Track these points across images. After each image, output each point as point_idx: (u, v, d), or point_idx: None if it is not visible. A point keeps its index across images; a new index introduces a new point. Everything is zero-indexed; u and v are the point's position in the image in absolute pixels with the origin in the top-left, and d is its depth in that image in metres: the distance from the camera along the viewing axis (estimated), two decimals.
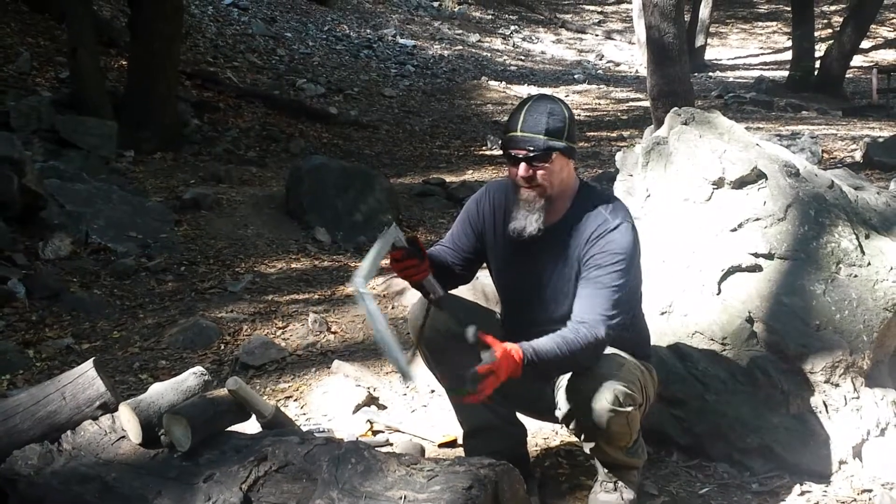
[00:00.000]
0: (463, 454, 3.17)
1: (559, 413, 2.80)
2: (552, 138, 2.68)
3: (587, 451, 2.86)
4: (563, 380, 2.78)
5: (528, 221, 2.78)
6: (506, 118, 2.80)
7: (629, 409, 2.68)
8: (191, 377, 2.84)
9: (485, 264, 3.09)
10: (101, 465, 2.68)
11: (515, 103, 13.75)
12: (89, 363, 2.87)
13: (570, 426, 2.79)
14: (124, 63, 10.58)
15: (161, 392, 2.76)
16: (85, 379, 2.83)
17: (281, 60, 14.64)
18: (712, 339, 3.42)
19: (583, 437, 2.76)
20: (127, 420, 2.69)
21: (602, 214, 2.77)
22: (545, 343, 2.62)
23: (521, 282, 2.93)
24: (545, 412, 3.02)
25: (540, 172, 2.71)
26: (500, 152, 2.88)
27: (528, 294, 2.92)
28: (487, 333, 2.56)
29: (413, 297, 3.32)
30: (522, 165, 2.71)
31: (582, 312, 2.69)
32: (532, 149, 2.68)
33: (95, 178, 7.14)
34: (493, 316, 3.12)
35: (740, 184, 3.62)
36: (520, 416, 3.20)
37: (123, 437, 2.74)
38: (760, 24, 25.86)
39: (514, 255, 2.92)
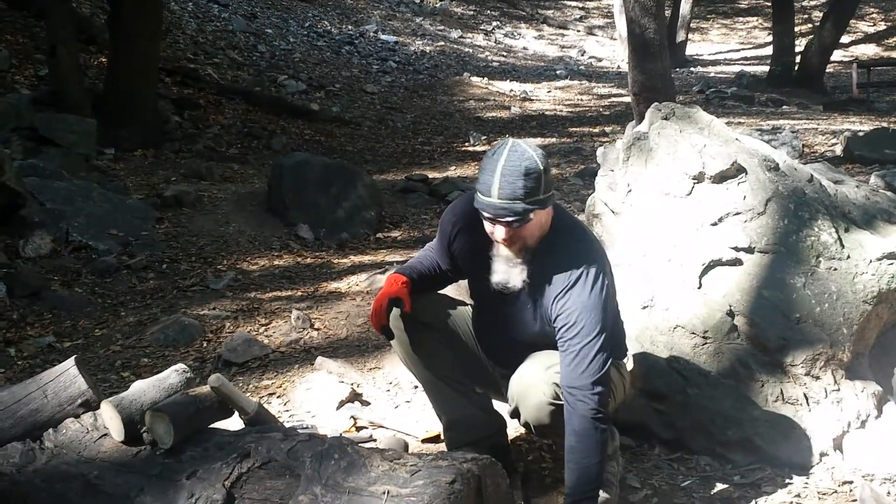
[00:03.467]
0: (446, 449, 3.18)
1: (508, 409, 2.83)
2: (530, 200, 2.56)
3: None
4: (514, 376, 2.81)
5: (511, 276, 2.74)
6: (479, 172, 2.65)
7: None
8: (173, 374, 2.83)
9: None
10: (84, 464, 2.67)
11: (497, 99, 13.67)
12: (71, 361, 2.86)
13: (520, 422, 2.82)
14: (104, 60, 10.51)
15: (143, 389, 2.75)
16: (66, 377, 2.81)
17: (262, 57, 14.58)
18: (693, 333, 3.44)
19: (534, 432, 2.79)
20: (109, 418, 2.68)
21: (567, 262, 2.69)
22: (575, 477, 2.64)
23: (490, 298, 2.92)
24: None
25: (518, 231, 2.63)
26: (481, 146, 2.87)
27: (497, 309, 2.93)
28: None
29: None
30: (502, 230, 2.62)
31: (569, 380, 2.64)
32: (512, 216, 2.57)
33: (75, 175, 7.10)
34: (464, 311, 3.14)
35: (720, 178, 3.64)
36: (498, 406, 3.22)
37: (106, 434, 2.73)
38: (741, 19, 25.97)
39: (484, 275, 2.88)
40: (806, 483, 3.14)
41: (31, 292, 5.26)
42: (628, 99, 9.87)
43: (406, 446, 3.44)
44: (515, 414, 2.81)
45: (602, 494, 2.87)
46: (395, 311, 2.98)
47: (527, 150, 2.59)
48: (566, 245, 2.73)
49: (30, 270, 5.55)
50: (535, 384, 2.70)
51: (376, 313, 2.95)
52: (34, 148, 7.60)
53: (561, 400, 2.66)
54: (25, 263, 5.65)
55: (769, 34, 20.42)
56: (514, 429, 3.35)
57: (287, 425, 3.32)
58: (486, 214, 2.61)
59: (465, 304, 3.16)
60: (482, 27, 22.29)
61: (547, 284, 2.73)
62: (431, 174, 9.25)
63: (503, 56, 20.02)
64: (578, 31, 24.06)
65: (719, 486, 3.14)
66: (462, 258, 2.97)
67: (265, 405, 3.60)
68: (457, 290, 3.41)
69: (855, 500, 3.01)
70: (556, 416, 2.68)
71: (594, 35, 23.72)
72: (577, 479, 2.63)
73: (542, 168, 2.58)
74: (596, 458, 2.63)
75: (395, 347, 3.12)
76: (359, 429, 3.66)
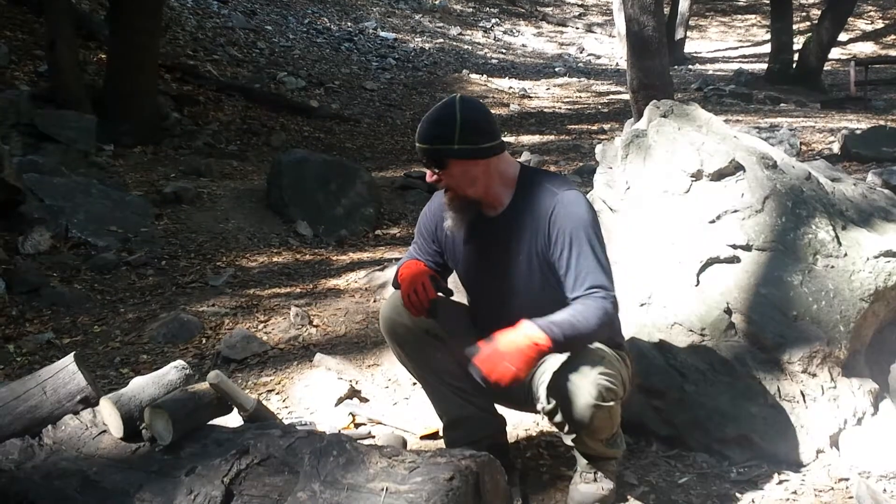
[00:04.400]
0: (445, 446, 3.19)
1: (541, 407, 2.81)
2: (437, 145, 2.73)
3: (567, 442, 2.88)
4: (545, 374, 2.80)
5: (451, 218, 2.88)
6: None
7: (611, 403, 2.69)
8: (172, 371, 2.83)
9: None
10: (83, 460, 2.67)
11: (497, 96, 13.73)
12: (70, 357, 2.86)
13: (554, 420, 2.80)
14: (103, 56, 10.50)
15: (142, 386, 2.75)
16: (66, 373, 2.81)
17: (261, 53, 14.58)
18: (691, 331, 3.45)
19: (566, 430, 2.78)
20: (108, 414, 2.69)
21: (547, 188, 2.80)
22: (558, 317, 2.64)
23: (484, 278, 2.96)
24: (522, 402, 3.04)
25: (444, 178, 2.79)
26: None
27: (492, 290, 2.95)
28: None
29: (391, 291, 3.33)
30: (427, 171, 2.81)
31: (578, 289, 2.70)
32: (424, 158, 2.79)
33: (75, 172, 7.11)
34: (463, 311, 3.13)
35: (718, 176, 3.65)
36: (499, 407, 3.22)
37: (105, 431, 2.73)
38: (739, 17, 25.98)
39: (473, 253, 2.96)
40: (802, 480, 3.15)
41: (30, 289, 5.27)
42: (627, 96, 9.87)
43: (405, 443, 3.45)
44: (552, 413, 2.77)
45: (601, 488, 2.88)
46: (399, 320, 2.99)
47: (453, 104, 2.75)
48: (541, 182, 2.84)
49: (29, 267, 5.55)
50: (581, 384, 2.66)
51: (416, 291, 2.87)
52: (33, 144, 7.61)
53: (605, 401, 2.66)
54: (24, 260, 5.66)
55: (767, 32, 20.42)
56: (512, 426, 3.36)
57: (286, 422, 3.32)
58: None
59: (463, 304, 3.16)
60: (481, 24, 22.29)
61: (528, 213, 2.80)
62: None
63: (502, 53, 20.02)
64: (577, 28, 24.06)
65: (716, 483, 3.14)
66: (449, 246, 3.01)
67: (264, 402, 3.60)
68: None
69: (851, 498, 3.02)
70: (600, 416, 2.68)
71: (593, 32, 23.72)
72: (558, 320, 2.62)
73: (458, 118, 2.71)
74: (586, 323, 2.63)
75: (393, 350, 3.10)
76: (357, 425, 3.66)
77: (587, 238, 2.72)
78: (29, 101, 8.14)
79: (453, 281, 3.13)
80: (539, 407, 2.83)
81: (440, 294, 2.95)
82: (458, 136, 2.71)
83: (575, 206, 2.75)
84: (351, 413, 3.74)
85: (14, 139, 7.46)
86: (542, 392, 2.79)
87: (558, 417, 2.75)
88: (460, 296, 3.15)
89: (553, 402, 2.74)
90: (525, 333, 2.58)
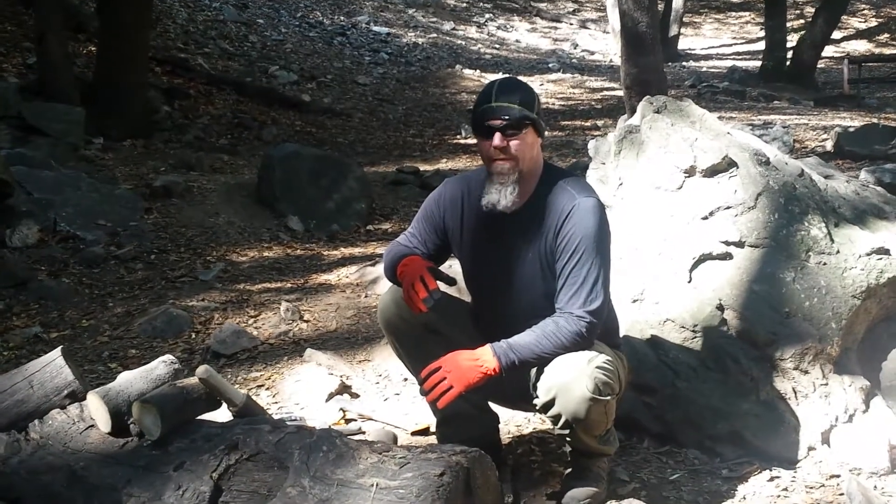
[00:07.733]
0: (436, 442, 3.17)
1: (537, 401, 2.79)
2: (526, 109, 2.73)
3: (562, 438, 2.87)
4: (542, 367, 2.78)
5: (503, 195, 2.78)
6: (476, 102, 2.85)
7: (607, 397, 2.69)
8: (160, 365, 2.81)
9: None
10: (70, 455, 2.65)
11: None
12: (57, 351, 2.84)
13: (549, 413, 2.78)
14: (93, 49, 10.46)
15: (130, 380, 2.73)
16: (53, 367, 2.80)
17: (253, 47, 14.53)
18: (683, 327, 3.44)
19: (560, 424, 2.77)
20: (96, 409, 2.67)
21: (568, 191, 2.79)
22: (523, 341, 2.68)
23: (489, 273, 2.93)
24: (517, 401, 3.02)
25: (514, 143, 2.73)
26: (473, 138, 2.90)
27: (496, 285, 2.92)
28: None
29: (384, 286, 3.30)
30: (497, 135, 2.72)
31: (564, 303, 2.71)
32: (507, 118, 2.70)
33: (64, 165, 7.07)
34: (464, 309, 3.11)
35: (711, 172, 3.64)
36: (492, 404, 3.20)
37: (92, 425, 2.71)
38: (733, 14, 26.00)
39: (481, 245, 2.92)
40: (794, 477, 3.14)
41: (17, 282, 5.24)
42: (620, 93, 9.88)
43: (395, 439, 3.43)
44: (547, 406, 2.75)
45: (593, 484, 2.86)
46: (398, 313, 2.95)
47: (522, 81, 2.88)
48: (564, 182, 2.83)
49: (16, 260, 5.52)
50: (577, 378, 2.65)
51: (414, 287, 2.76)
52: (22, 137, 7.57)
53: (601, 395, 2.65)
54: (12, 253, 5.62)
55: (761, 29, 20.45)
56: (503, 422, 3.34)
57: (276, 417, 3.31)
58: (484, 124, 2.74)
59: (464, 302, 3.14)
60: (475, 19, 22.26)
61: (544, 211, 2.79)
62: (423, 166, 9.24)
63: (496, 48, 19.99)
64: (571, 24, 24.04)
65: (708, 480, 3.14)
66: (455, 237, 2.97)
67: (254, 397, 3.58)
68: (457, 292, 3.38)
69: (842, 494, 3.01)
70: (595, 411, 2.68)
71: (587, 28, 23.71)
72: (521, 343, 2.68)
73: (536, 93, 2.82)
74: (551, 347, 2.67)
75: (391, 344, 3.07)
76: (348, 421, 3.65)
77: (591, 251, 2.71)
78: (17, 94, 8.10)
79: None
80: (535, 401, 2.82)
81: (442, 283, 2.88)
82: (536, 106, 2.77)
83: (588, 216, 2.73)
84: (341, 409, 3.72)
85: (2, 132, 7.43)
86: (539, 384, 2.78)
87: (553, 410, 2.74)
88: (462, 293, 3.13)
89: (549, 395, 2.73)
90: (476, 358, 2.67)
